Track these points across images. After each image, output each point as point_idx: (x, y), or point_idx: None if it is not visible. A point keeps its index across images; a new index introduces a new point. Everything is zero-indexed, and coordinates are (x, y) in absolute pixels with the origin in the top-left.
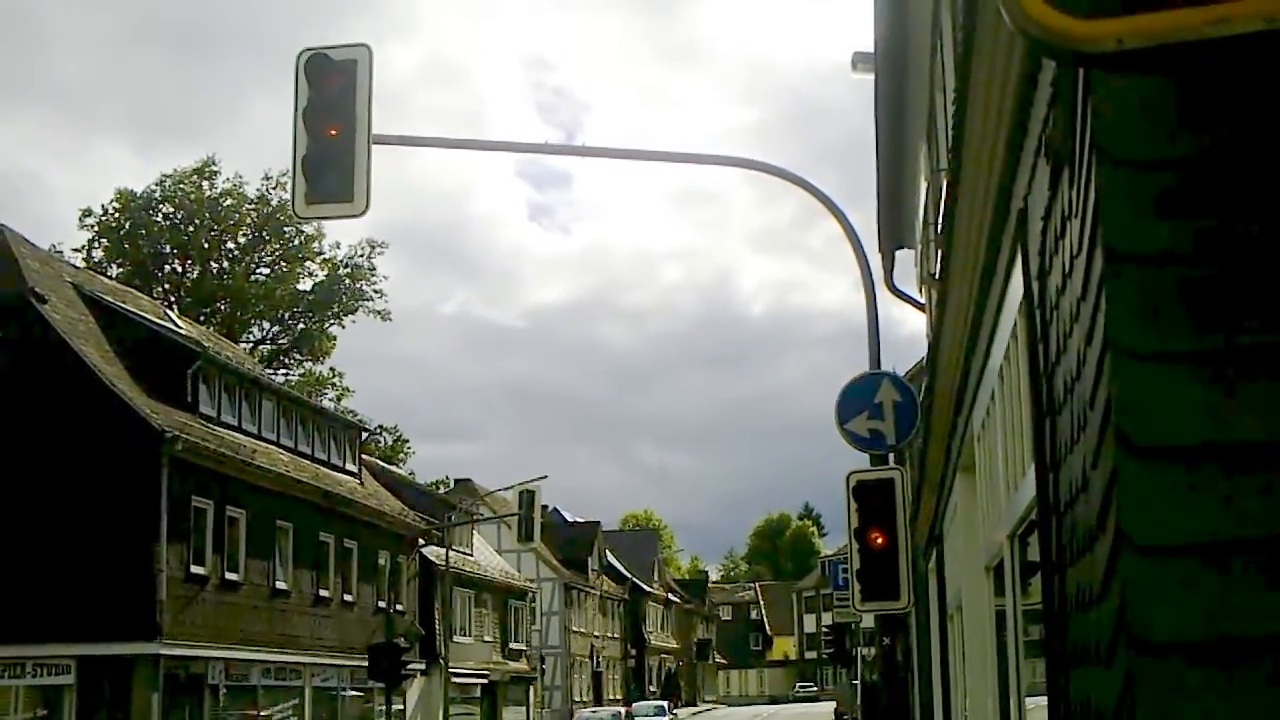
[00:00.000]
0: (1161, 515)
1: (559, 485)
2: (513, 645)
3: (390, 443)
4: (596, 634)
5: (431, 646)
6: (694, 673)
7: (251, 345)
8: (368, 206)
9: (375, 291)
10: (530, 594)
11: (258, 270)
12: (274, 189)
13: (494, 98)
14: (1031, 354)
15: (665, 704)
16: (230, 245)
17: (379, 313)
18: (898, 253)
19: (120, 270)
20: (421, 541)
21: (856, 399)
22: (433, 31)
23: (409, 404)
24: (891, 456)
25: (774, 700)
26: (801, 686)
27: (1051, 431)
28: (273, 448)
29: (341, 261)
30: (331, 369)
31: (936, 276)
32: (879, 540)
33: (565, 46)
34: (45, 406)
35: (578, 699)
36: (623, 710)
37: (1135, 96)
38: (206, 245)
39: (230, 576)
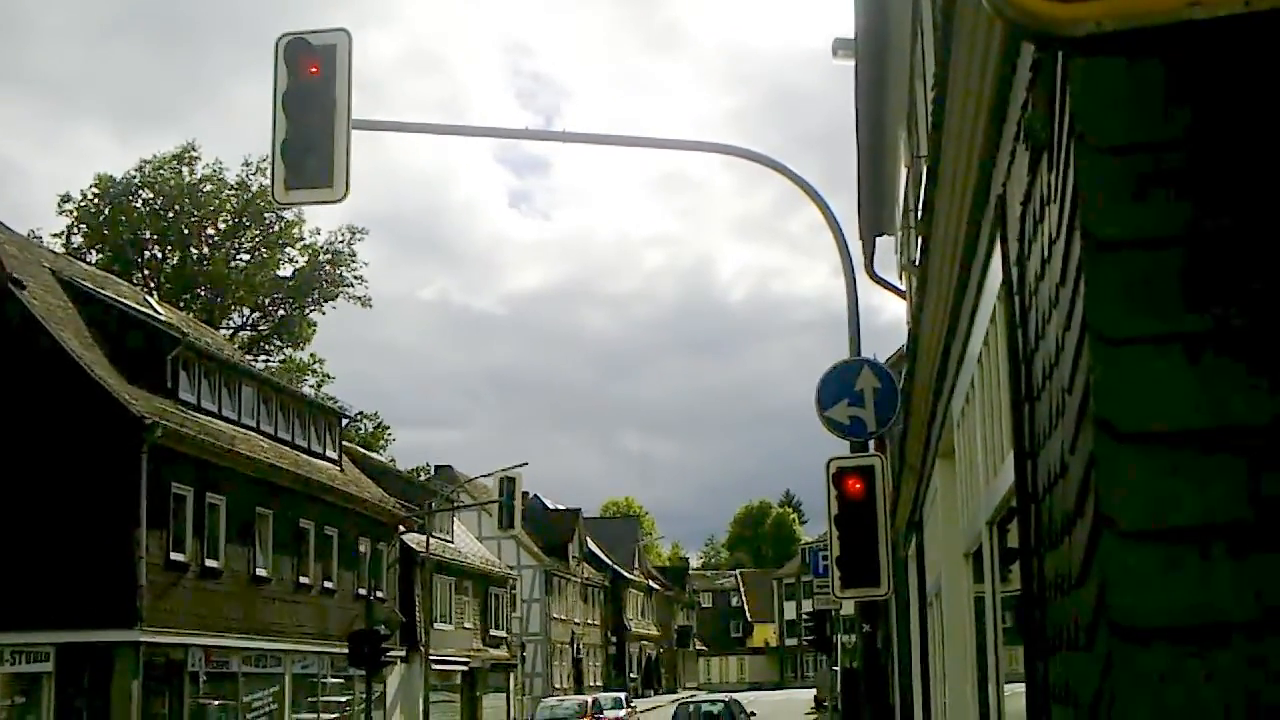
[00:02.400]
0: (1141, 499)
1: (539, 472)
2: (493, 632)
3: (371, 429)
4: (577, 621)
5: (412, 634)
6: (675, 660)
7: (231, 331)
8: (347, 192)
9: (355, 278)
10: (511, 581)
11: (238, 256)
12: (254, 175)
13: (473, 84)
14: (1011, 340)
15: (623, 695)
16: (210, 231)
17: (359, 299)
18: (878, 239)
19: (99, 256)
20: (402, 528)
21: (837, 386)
22: (411, 18)
23: (389, 391)
24: (872, 443)
25: (755, 686)
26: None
27: (1030, 417)
28: (253, 434)
29: (322, 248)
30: (312, 355)
31: (916, 263)
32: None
33: (544, 32)
34: (23, 393)
35: (558, 686)
36: (589, 700)
37: (1114, 80)
38: (186, 231)
39: (210, 563)
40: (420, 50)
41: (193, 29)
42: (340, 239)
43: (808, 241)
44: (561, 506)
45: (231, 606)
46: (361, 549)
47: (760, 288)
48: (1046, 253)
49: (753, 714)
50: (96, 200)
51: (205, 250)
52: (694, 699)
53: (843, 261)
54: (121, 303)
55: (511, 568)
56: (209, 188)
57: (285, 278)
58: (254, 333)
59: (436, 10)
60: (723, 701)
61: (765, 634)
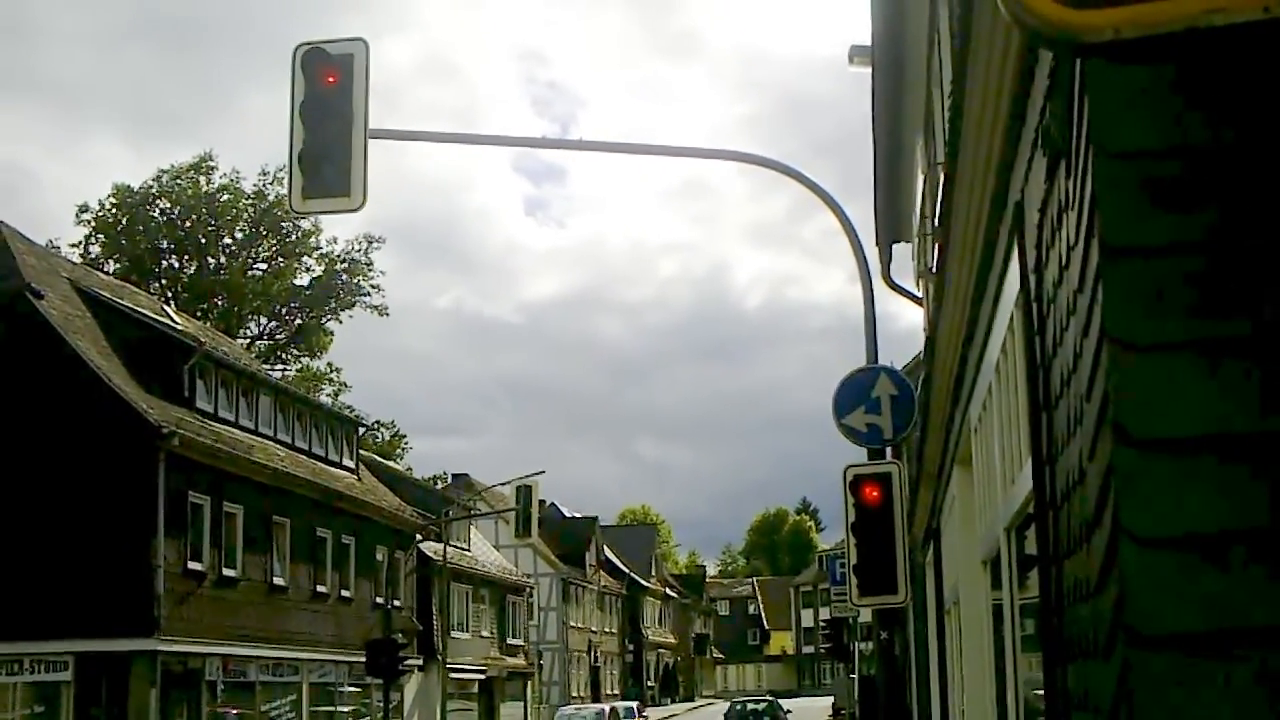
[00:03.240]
0: (1159, 506)
1: (556, 480)
2: (510, 641)
3: (387, 438)
4: (594, 629)
5: (429, 642)
6: (692, 668)
7: (249, 340)
8: (364, 201)
9: (372, 286)
10: (528, 589)
11: (255, 265)
12: (271, 184)
13: (488, 92)
14: (1028, 347)
15: (635, 704)
16: (227, 240)
17: (376, 308)
18: (895, 246)
19: (117, 266)
20: (419, 537)
21: (854, 393)
22: (426, 26)
23: (405, 399)
24: (889, 450)
25: (772, 694)
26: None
27: (1048, 424)
28: (270, 443)
29: (338, 256)
30: (329, 364)
31: (933, 270)
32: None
33: (559, 40)
34: (42, 402)
35: (575, 694)
36: (606, 708)
37: (1132, 87)
38: (204, 240)
39: (227, 572)
40: (435, 58)
41: (204, 35)
42: (357, 248)
43: (823, 248)
44: (578, 514)
45: (249, 615)
46: (378, 557)
47: (775, 294)
48: (1064, 259)
49: (789, 711)
50: (114, 210)
51: (222, 260)
52: (742, 701)
53: (859, 268)
54: (139, 312)
55: (528, 576)
56: (226, 197)
57: (302, 287)
58: (271, 342)
59: (451, 18)
60: (766, 701)
61: (782, 641)
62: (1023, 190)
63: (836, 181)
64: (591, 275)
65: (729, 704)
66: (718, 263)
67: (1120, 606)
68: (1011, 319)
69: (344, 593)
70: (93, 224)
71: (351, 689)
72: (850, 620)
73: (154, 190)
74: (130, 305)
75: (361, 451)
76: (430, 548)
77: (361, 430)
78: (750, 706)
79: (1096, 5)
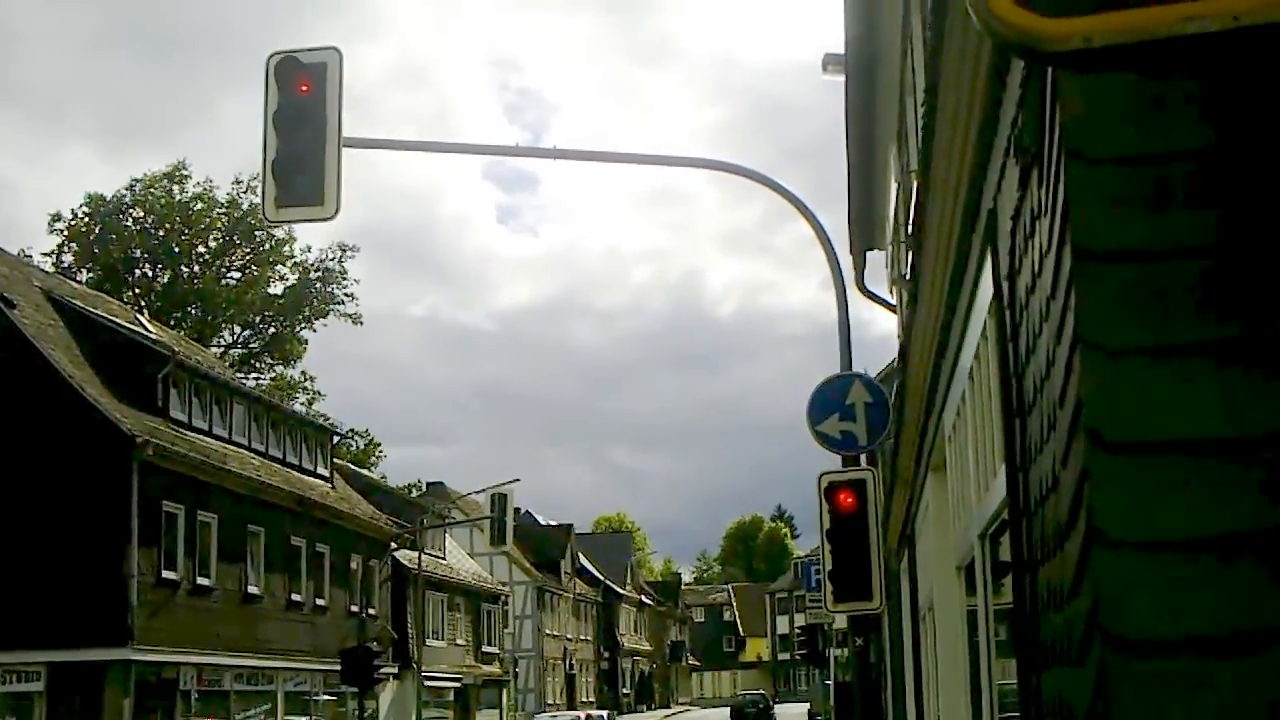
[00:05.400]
0: (1132, 511)
1: (531, 488)
2: (485, 648)
3: (362, 446)
4: (569, 637)
5: (404, 650)
6: (668, 675)
7: (222, 349)
8: (338, 209)
9: (346, 295)
10: (503, 597)
11: (228, 274)
12: (244, 193)
13: (461, 99)
14: (1002, 354)
15: (604, 714)
16: (201, 249)
17: (350, 316)
18: (868, 254)
19: (90, 275)
20: (394, 545)
21: (828, 400)
22: (399, 32)
23: (380, 407)
24: (863, 457)
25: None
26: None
27: (1022, 431)
28: (244, 452)
29: (312, 265)
30: (303, 373)
31: (907, 277)
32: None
33: (532, 47)
34: (14, 411)
35: (551, 702)
36: (582, 715)
37: (1104, 95)
38: (177, 249)
39: (202, 581)
40: (408, 65)
41: (180, 45)
42: (331, 256)
43: (796, 255)
44: (553, 522)
45: (223, 624)
46: (353, 566)
47: (749, 302)
48: (1037, 266)
49: (776, 701)
50: (87, 219)
51: (196, 268)
52: (741, 695)
53: (833, 276)
54: (112, 321)
55: (504, 584)
56: (199, 206)
57: (276, 295)
58: (245, 350)
59: (424, 25)
60: (759, 694)
61: (758, 648)
62: (995, 198)
63: (810, 189)
64: (565, 282)
65: (732, 698)
66: (691, 270)
67: (1095, 611)
68: (985, 326)
69: (319, 601)
70: (65, 233)
71: (326, 697)
72: (825, 626)
73: (127, 199)
74: (103, 314)
75: (336, 460)
76: (405, 556)
77: (336, 439)
78: (749, 697)
79: (1068, 13)
